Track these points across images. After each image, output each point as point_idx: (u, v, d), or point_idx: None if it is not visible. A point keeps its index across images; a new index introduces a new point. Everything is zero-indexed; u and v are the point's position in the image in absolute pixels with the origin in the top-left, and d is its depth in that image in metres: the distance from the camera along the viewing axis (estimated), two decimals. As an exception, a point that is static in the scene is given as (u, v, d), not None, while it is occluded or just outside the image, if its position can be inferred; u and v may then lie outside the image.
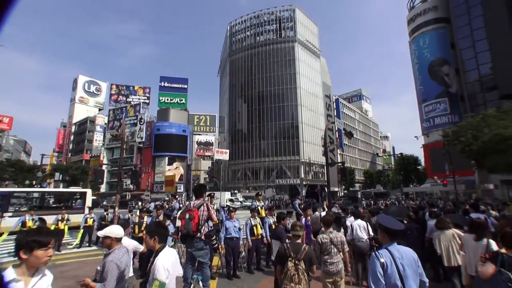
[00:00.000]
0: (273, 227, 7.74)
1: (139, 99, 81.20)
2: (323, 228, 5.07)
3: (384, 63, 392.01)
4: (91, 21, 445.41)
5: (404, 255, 2.61)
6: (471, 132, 21.36)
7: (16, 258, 2.16)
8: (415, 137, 45.20)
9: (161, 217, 8.23)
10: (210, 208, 5.24)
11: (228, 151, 59.67)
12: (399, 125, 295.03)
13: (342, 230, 6.68)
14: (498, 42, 30.19)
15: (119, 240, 3.26)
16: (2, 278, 2.05)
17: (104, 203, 42.38)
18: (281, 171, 59.47)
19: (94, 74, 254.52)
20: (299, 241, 3.78)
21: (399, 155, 53.20)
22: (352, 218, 7.43)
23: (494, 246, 4.47)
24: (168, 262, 2.85)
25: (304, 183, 57.85)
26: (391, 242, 2.69)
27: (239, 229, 7.46)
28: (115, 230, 3.28)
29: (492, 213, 9.92)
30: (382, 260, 2.57)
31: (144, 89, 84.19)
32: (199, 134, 70.19)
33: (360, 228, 6.55)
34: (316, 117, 66.55)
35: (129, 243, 4.02)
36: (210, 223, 5.44)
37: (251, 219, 7.76)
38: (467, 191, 32.26)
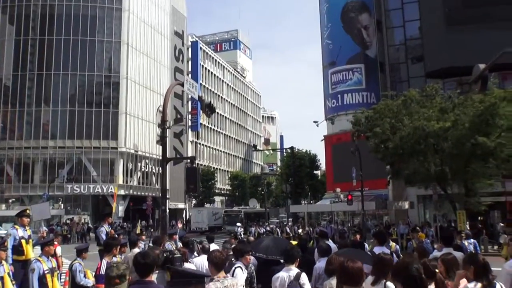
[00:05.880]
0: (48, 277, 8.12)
1: None
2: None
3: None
4: None
5: None
6: (389, 121, 26.58)
7: None
8: (315, 122, 51.82)
9: None
10: None
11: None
12: (293, 99, 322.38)
13: None
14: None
15: None
16: None
17: None
18: (79, 167, 59.58)
19: None
20: None
21: (289, 150, 58.94)
22: (202, 257, 8.16)
23: None
24: None
25: (123, 192, 59.29)
26: None
27: None
28: None
29: (392, 245, 13.11)
30: None
31: None
32: None
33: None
34: (155, 70, 68.56)
35: None
36: None
37: None
38: (377, 212, 39.51)
